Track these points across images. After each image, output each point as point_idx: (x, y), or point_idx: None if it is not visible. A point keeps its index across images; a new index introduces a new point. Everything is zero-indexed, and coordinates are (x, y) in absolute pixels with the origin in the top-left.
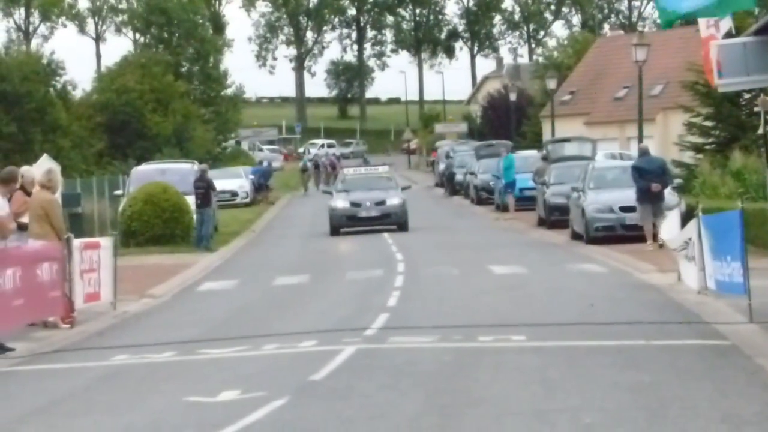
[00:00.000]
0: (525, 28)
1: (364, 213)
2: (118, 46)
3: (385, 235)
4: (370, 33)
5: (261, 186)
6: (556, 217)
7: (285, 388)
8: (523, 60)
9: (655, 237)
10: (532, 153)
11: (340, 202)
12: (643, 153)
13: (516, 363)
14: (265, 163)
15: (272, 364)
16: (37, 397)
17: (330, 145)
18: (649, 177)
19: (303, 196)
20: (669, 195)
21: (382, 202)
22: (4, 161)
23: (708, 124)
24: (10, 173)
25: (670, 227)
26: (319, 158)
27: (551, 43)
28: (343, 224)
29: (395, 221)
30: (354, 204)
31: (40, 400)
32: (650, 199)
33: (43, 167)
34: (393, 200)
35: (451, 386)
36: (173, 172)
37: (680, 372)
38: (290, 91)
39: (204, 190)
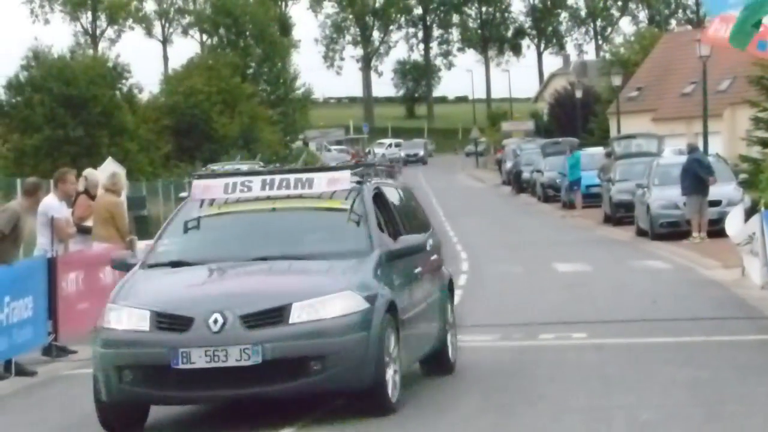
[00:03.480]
0: (591, 25)
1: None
2: (185, 48)
3: (451, 233)
4: (437, 32)
5: None
6: (621, 214)
7: None
8: (590, 57)
9: (699, 230)
10: (598, 150)
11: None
12: (694, 149)
13: (575, 360)
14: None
15: None
16: None
17: (397, 145)
18: (704, 171)
19: None
20: (734, 190)
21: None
22: (71, 165)
23: None
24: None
25: (734, 222)
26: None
27: (618, 39)
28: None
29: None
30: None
31: None
32: (702, 192)
33: (107, 171)
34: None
35: (510, 384)
36: None
37: (740, 368)
38: (357, 92)
39: None
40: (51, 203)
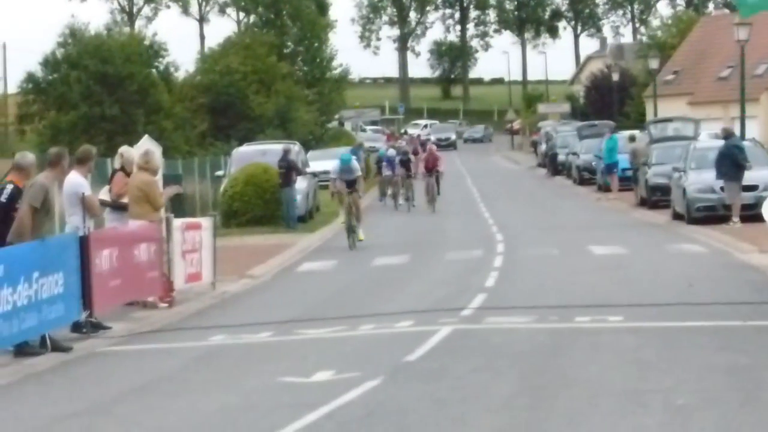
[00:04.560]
0: (628, 7)
1: None
2: (222, 26)
3: (486, 215)
4: (473, 13)
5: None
6: (657, 198)
7: (379, 369)
8: (627, 39)
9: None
10: (634, 133)
11: None
12: (730, 135)
13: (611, 344)
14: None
15: (368, 345)
16: (134, 376)
17: (433, 125)
18: (742, 157)
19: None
20: None
21: None
22: (107, 143)
23: None
24: (86, 152)
25: None
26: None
27: (655, 22)
28: None
29: None
30: None
31: (137, 380)
32: (740, 177)
33: (142, 149)
34: None
35: (546, 367)
36: (274, 153)
37: None
38: (393, 72)
39: (285, 170)
40: (78, 181)
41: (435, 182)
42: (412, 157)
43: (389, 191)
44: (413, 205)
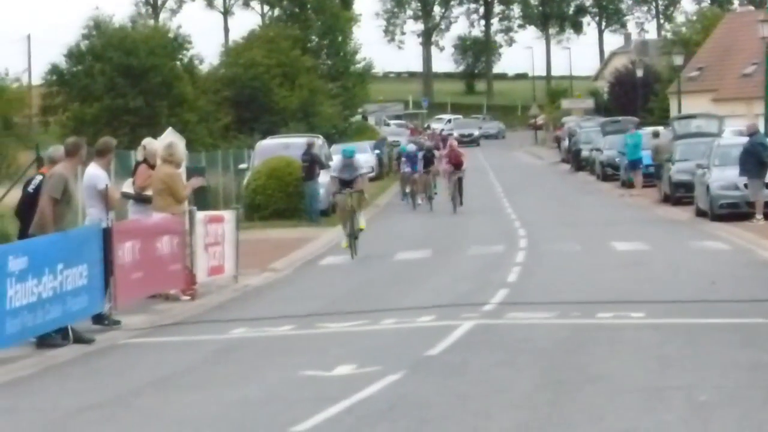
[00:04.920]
0: (653, 3)
1: None
2: (246, 20)
3: (509, 210)
4: (498, 8)
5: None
6: (680, 194)
7: (401, 363)
8: (651, 36)
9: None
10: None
11: None
12: (755, 132)
13: (633, 340)
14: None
15: (389, 339)
16: (155, 369)
17: (449, 121)
18: (766, 154)
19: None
20: None
21: None
22: (130, 134)
23: None
24: (106, 144)
25: None
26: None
27: (680, 18)
28: None
29: None
30: None
31: (158, 372)
32: (763, 174)
33: (165, 141)
34: None
35: (567, 363)
36: (297, 147)
37: None
38: (417, 66)
39: (308, 163)
40: (97, 173)
41: (459, 182)
42: (436, 153)
43: (408, 189)
44: (433, 195)
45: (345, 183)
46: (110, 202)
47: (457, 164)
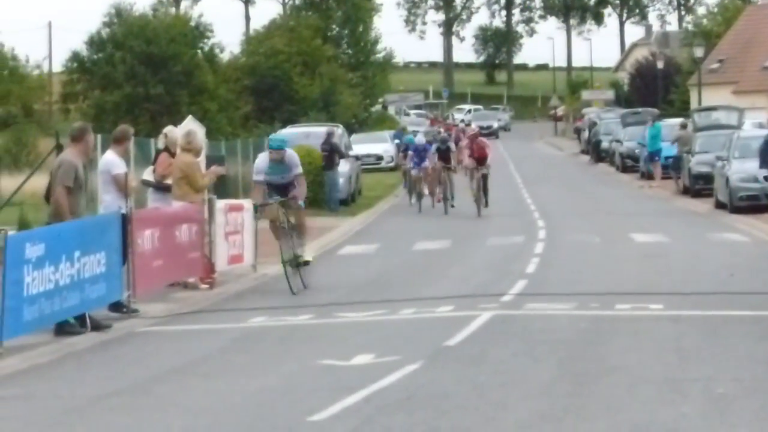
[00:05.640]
0: None
1: None
2: (267, 8)
3: (528, 201)
4: None
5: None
6: (700, 186)
7: (419, 353)
8: (672, 27)
9: None
10: (678, 121)
11: None
12: None
13: (652, 332)
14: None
15: (408, 329)
16: (173, 357)
17: (476, 111)
18: None
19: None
20: None
21: None
22: (151, 123)
23: None
24: (123, 132)
25: None
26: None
27: (701, 10)
28: None
29: None
30: None
31: (176, 361)
32: None
33: (184, 129)
34: None
35: (585, 354)
36: (317, 136)
37: None
38: (438, 56)
39: (328, 153)
40: (113, 160)
41: (483, 179)
42: (452, 145)
43: (415, 188)
44: (452, 205)
45: (276, 189)
46: (121, 189)
47: (480, 158)
